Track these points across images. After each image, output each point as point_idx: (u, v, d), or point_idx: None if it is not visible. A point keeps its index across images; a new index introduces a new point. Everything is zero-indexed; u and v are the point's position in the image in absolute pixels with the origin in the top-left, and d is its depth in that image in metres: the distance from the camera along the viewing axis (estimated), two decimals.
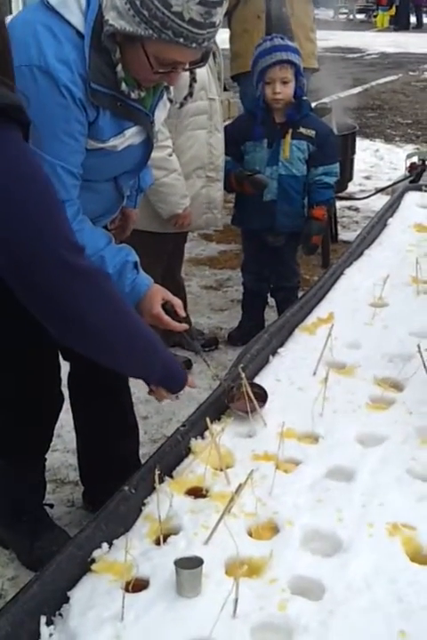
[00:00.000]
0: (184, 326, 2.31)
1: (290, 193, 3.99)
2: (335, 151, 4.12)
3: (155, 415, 3.72)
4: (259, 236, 4.15)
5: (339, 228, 6.12)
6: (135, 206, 2.70)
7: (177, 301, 2.31)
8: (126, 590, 1.58)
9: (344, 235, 6.09)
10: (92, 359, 1.94)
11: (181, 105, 2.33)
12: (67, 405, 2.83)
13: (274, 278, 4.34)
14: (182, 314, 2.31)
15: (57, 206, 1.73)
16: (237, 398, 2.27)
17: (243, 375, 2.22)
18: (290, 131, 3.92)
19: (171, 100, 2.33)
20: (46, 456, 2.78)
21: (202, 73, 3.41)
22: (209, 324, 4.67)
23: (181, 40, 1.97)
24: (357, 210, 6.84)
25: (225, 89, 3.93)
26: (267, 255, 4.19)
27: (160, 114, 2.33)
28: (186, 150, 3.64)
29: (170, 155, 3.52)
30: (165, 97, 2.31)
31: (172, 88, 2.29)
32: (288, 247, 4.16)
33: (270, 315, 4.44)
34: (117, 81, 2.08)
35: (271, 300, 4.55)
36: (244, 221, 4.18)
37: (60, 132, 2.04)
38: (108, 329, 1.84)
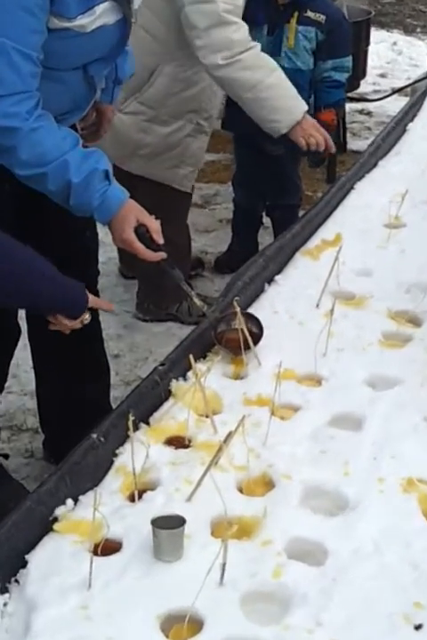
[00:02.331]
0: (160, 256, 2.28)
1: None
2: (348, 41, 4.04)
3: (128, 353, 3.72)
4: (255, 143, 4.09)
5: (348, 135, 6.06)
6: (112, 101, 2.65)
7: (154, 225, 2.27)
8: (95, 553, 1.58)
9: (354, 143, 6.03)
10: None
11: None
12: (25, 340, 2.81)
13: (271, 194, 4.29)
14: (160, 240, 2.27)
15: None
16: (226, 337, 2.26)
17: (237, 308, 2.21)
18: (296, 14, 3.83)
19: None
20: (0, 399, 2.78)
21: None
22: (193, 247, 4.62)
23: None
24: (369, 114, 6.77)
25: None
26: (263, 166, 4.14)
27: None
28: (191, 85, 3.58)
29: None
30: None
31: None
32: (289, 157, 4.10)
33: (265, 238, 4.41)
34: None
35: (267, 221, 4.51)
36: (236, 125, 4.09)
37: (11, 4, 1.97)
38: None
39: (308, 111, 3.93)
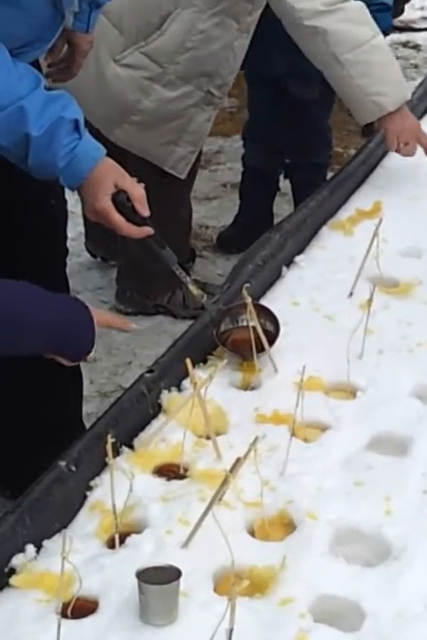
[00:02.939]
0: (145, 231, 2.27)
1: None
2: None
3: (106, 356, 3.72)
4: (277, 84, 4.07)
5: None
6: (88, 29, 2.65)
7: (137, 191, 2.26)
8: (63, 615, 1.58)
9: None
10: None
11: None
12: None
13: (291, 149, 4.29)
14: (144, 212, 2.27)
15: None
16: (232, 337, 2.28)
17: (247, 299, 2.21)
18: None
19: None
20: None
21: None
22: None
23: None
24: (416, 47, 6.79)
25: None
26: (284, 113, 4.13)
27: None
28: (210, 41, 3.57)
29: None
30: None
31: None
32: (321, 102, 4.09)
33: (283, 208, 4.42)
34: None
35: (285, 185, 4.52)
36: (255, 62, 4.06)
37: None
38: None
39: None
